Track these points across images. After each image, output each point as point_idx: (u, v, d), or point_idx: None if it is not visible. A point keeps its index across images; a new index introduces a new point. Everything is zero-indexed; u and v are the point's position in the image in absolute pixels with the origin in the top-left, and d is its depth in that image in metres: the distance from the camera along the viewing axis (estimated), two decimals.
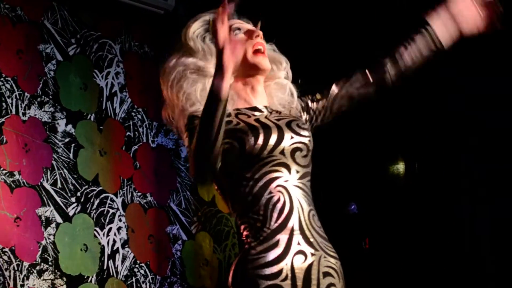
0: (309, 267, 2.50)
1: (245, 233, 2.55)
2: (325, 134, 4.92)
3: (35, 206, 4.30)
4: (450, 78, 4.65)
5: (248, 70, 2.68)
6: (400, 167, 4.83)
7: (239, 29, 2.69)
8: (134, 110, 4.88)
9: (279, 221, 2.51)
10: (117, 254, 4.62)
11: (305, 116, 2.79)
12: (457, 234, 4.58)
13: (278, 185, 2.54)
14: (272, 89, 2.77)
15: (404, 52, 2.79)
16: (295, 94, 2.80)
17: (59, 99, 4.52)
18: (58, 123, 4.49)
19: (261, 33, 2.68)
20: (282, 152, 2.56)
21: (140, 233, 4.76)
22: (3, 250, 4.12)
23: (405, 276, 4.58)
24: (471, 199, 4.61)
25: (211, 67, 2.60)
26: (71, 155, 4.52)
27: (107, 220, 4.61)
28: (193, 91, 2.62)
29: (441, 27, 2.78)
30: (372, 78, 2.77)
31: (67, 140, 4.52)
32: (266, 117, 2.65)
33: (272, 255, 2.48)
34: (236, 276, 2.52)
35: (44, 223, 4.32)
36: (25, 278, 4.19)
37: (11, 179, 4.22)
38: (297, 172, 2.58)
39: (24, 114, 4.35)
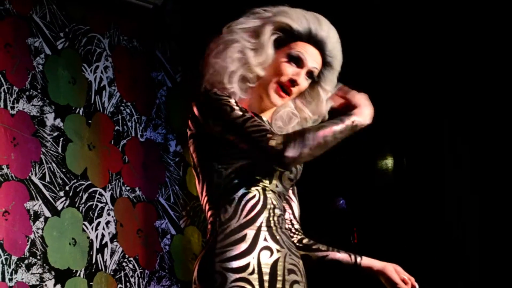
0: (275, 262, 2.52)
1: (213, 223, 2.55)
2: None
3: (23, 200, 4.29)
4: (438, 73, 4.66)
5: (262, 90, 2.63)
6: (389, 162, 4.84)
7: (298, 60, 2.60)
8: (123, 104, 4.87)
9: (249, 216, 2.52)
10: (106, 248, 4.62)
11: None
12: (445, 229, 4.59)
13: (257, 185, 2.56)
14: (280, 115, 2.72)
15: (321, 247, 2.77)
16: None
17: (47, 93, 4.51)
18: (46, 117, 4.48)
19: (303, 82, 2.61)
20: (274, 169, 2.59)
21: (128, 227, 4.76)
22: None
23: None
24: (459, 194, 4.63)
25: (253, 63, 2.57)
26: (59, 149, 4.51)
27: (96, 214, 4.61)
28: (223, 67, 2.58)
29: (369, 262, 2.77)
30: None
31: (55, 134, 4.51)
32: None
33: (239, 248, 2.48)
34: (202, 270, 2.51)
35: (32, 217, 4.31)
36: (13, 272, 4.18)
37: (0, 173, 4.22)
38: (277, 186, 2.61)
39: (12, 108, 4.34)
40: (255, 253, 2.49)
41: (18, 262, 4.21)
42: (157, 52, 5.10)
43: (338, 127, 2.47)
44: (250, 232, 2.51)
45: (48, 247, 4.35)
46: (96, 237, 4.59)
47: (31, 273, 4.26)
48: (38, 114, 4.45)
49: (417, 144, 4.74)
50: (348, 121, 2.49)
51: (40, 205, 4.36)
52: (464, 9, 4.54)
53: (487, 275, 4.45)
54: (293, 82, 2.59)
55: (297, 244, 2.75)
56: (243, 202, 2.54)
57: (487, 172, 4.51)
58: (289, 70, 2.59)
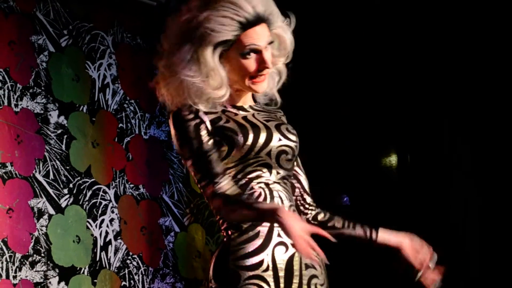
0: (291, 258, 2.51)
1: (225, 225, 2.56)
2: (317, 126, 4.94)
3: (27, 197, 4.30)
4: (440, 71, 4.65)
5: (240, 87, 2.63)
6: (393, 159, 4.84)
7: (253, 51, 2.55)
8: (127, 102, 4.87)
9: None
10: (110, 246, 4.62)
11: None
12: (450, 227, 4.59)
13: (259, 183, 2.56)
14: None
15: (336, 224, 2.73)
16: (276, 81, 2.73)
17: (51, 91, 4.52)
18: (50, 115, 4.49)
19: (268, 59, 2.57)
20: (268, 154, 2.57)
21: (132, 224, 4.76)
22: None
23: (397, 268, 4.59)
24: (464, 191, 4.62)
25: (211, 92, 2.55)
26: (63, 147, 4.51)
27: (100, 211, 4.61)
28: (185, 99, 2.58)
29: (384, 237, 2.74)
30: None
31: (59, 131, 4.51)
32: (254, 115, 2.65)
33: (253, 246, 2.49)
34: (217, 268, 2.53)
35: (36, 215, 4.31)
36: (17, 269, 4.18)
37: (3, 171, 4.22)
38: (278, 173, 2.60)
39: (16, 105, 4.34)
40: (269, 250, 2.49)
41: (22, 260, 4.21)
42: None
43: (251, 214, 2.43)
44: (263, 229, 2.51)
45: (52, 244, 4.35)
46: (100, 234, 4.59)
47: (35, 271, 4.26)
48: (42, 112, 4.45)
49: (421, 141, 4.73)
50: (268, 214, 2.40)
51: (44, 202, 4.36)
52: (465, 8, 4.53)
53: (489, 273, 4.45)
54: (262, 70, 2.58)
55: (312, 221, 2.71)
56: None
57: (491, 169, 4.51)
58: (251, 63, 2.56)
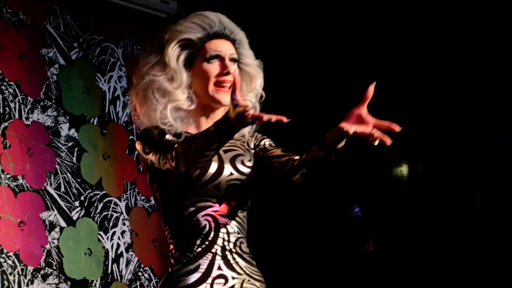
0: None
1: (171, 253, 2.62)
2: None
3: (39, 210, 4.30)
4: (454, 80, 4.64)
5: (206, 100, 2.65)
6: (404, 169, 4.83)
7: (217, 57, 2.63)
8: None
9: (202, 246, 2.56)
10: (121, 258, 4.62)
11: (253, 150, 2.75)
12: (461, 236, 4.58)
13: (206, 214, 2.58)
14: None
15: (305, 156, 2.57)
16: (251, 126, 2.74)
17: (62, 103, 4.53)
18: (61, 127, 4.50)
19: (231, 68, 2.63)
20: (217, 187, 2.59)
21: (144, 236, 4.76)
22: (8, 254, 4.13)
23: (409, 279, 4.58)
24: (474, 200, 4.61)
25: (174, 91, 2.62)
26: (74, 159, 4.52)
27: (111, 224, 4.62)
28: (153, 109, 2.63)
29: (329, 134, 2.53)
30: (290, 170, 2.65)
31: (70, 144, 4.52)
32: None
33: (193, 278, 2.53)
34: None
35: (48, 227, 4.32)
36: (29, 282, 4.19)
37: (15, 184, 4.23)
38: (229, 204, 2.61)
39: (27, 118, 4.35)
40: (208, 282, 2.53)
41: (34, 273, 4.22)
42: None
43: (205, 139, 2.38)
44: (204, 262, 2.54)
45: (63, 257, 4.36)
46: (112, 246, 4.59)
47: (47, 284, 4.26)
48: (53, 124, 4.46)
49: (432, 151, 4.72)
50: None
51: (55, 215, 4.37)
52: (466, 8, 4.52)
53: (502, 279, 4.43)
54: (225, 74, 2.62)
55: (296, 171, 2.61)
56: (195, 233, 2.56)
57: (503, 178, 4.49)
58: (214, 68, 2.63)
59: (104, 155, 4.68)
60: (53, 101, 4.49)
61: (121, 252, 4.63)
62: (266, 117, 2.21)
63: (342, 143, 2.52)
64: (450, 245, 4.57)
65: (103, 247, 4.55)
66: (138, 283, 4.67)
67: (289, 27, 4.88)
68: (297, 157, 2.63)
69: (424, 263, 4.56)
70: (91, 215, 4.53)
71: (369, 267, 4.10)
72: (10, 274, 4.12)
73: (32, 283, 4.20)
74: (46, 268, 4.27)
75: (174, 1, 4.91)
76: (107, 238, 4.58)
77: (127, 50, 4.92)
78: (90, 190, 4.56)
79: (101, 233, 4.56)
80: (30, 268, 4.21)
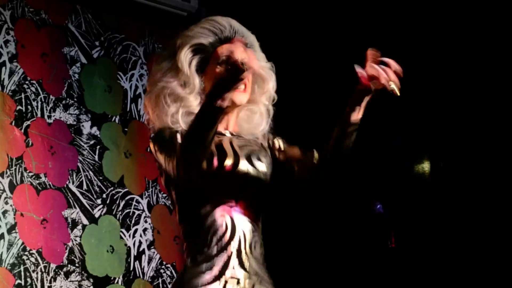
0: None
1: (186, 251, 2.62)
2: None
3: (61, 208, 4.32)
4: (475, 77, 4.62)
5: None
6: (426, 166, 4.81)
7: (228, 58, 2.63)
8: None
9: (218, 246, 2.56)
10: (143, 255, 4.63)
11: (268, 152, 2.77)
12: (484, 233, 4.56)
13: (223, 212, 2.58)
14: (241, 117, 2.76)
15: (331, 143, 2.59)
16: (265, 122, 2.77)
17: (83, 102, 4.55)
18: (83, 126, 4.52)
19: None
20: (233, 183, 2.59)
21: (165, 234, 4.77)
22: (30, 252, 4.15)
23: (431, 275, 4.57)
24: (497, 198, 4.59)
25: (187, 97, 2.64)
26: (96, 157, 4.54)
27: (133, 221, 4.63)
28: (165, 114, 2.65)
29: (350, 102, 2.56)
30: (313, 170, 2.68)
31: (92, 142, 4.54)
32: (230, 141, 2.66)
33: (207, 277, 2.53)
34: None
35: (70, 225, 4.34)
36: (52, 279, 4.21)
37: (37, 182, 4.25)
38: (245, 201, 2.61)
39: (49, 116, 4.37)
40: (221, 282, 2.53)
41: (56, 270, 4.24)
42: None
43: (205, 112, 2.42)
44: (218, 262, 2.55)
45: (86, 254, 4.37)
46: (134, 244, 4.61)
47: (70, 281, 4.28)
48: (75, 123, 4.48)
49: (454, 148, 4.70)
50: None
51: (77, 213, 4.39)
52: (467, 7, 4.50)
53: None
54: None
55: (324, 161, 2.63)
56: (211, 232, 2.56)
57: None
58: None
59: (126, 153, 4.69)
60: (75, 99, 4.51)
61: (143, 249, 4.64)
62: None
63: (361, 113, 2.53)
64: (471, 242, 4.55)
65: (125, 245, 4.57)
66: (160, 280, 4.68)
67: (302, 30, 4.88)
68: (313, 156, 2.65)
69: (446, 259, 4.55)
70: (113, 213, 4.55)
71: (392, 263, 4.10)
72: (33, 271, 4.14)
73: (54, 280, 4.22)
74: (69, 265, 4.29)
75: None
76: (129, 236, 4.60)
77: (148, 48, 4.93)
78: (112, 188, 4.58)
79: (123, 230, 4.58)
80: (53, 266, 4.23)
